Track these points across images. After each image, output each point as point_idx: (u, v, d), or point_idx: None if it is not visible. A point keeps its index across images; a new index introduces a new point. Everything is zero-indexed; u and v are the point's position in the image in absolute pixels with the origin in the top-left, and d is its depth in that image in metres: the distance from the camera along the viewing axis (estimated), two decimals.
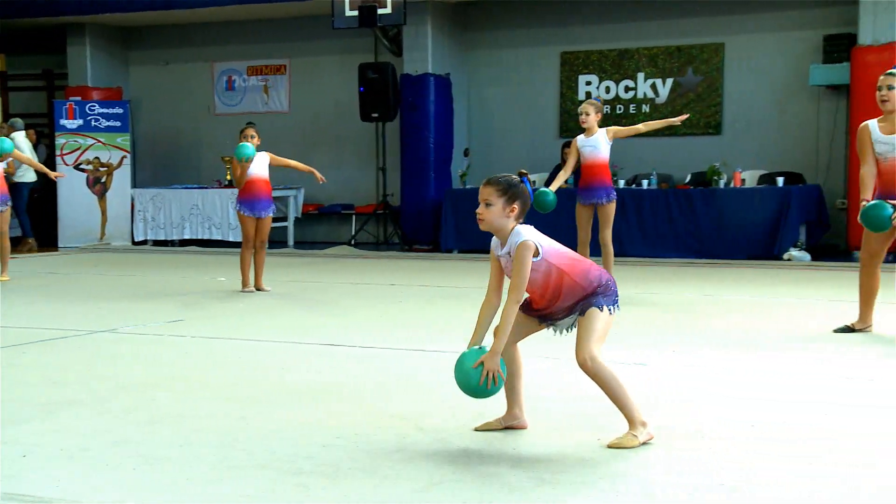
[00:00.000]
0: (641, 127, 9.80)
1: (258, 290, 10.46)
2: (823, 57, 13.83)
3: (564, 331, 4.56)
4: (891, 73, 7.35)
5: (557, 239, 4.54)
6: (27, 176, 16.00)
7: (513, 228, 4.39)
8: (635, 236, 13.73)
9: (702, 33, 15.02)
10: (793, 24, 14.51)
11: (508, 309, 4.34)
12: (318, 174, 10.62)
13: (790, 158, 14.39)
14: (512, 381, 4.63)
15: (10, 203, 11.70)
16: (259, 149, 10.47)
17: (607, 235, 9.62)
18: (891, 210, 7.00)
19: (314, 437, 4.57)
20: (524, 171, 4.47)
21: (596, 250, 9.76)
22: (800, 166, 14.26)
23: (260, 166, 10.43)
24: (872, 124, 7.40)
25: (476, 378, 4.26)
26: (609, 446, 4.31)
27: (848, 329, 7.43)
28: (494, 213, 4.33)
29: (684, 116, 9.90)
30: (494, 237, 4.49)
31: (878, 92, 7.36)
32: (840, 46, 13.69)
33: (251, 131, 10.37)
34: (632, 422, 4.40)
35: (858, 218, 7.13)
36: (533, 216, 4.80)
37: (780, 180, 13.38)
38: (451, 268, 12.80)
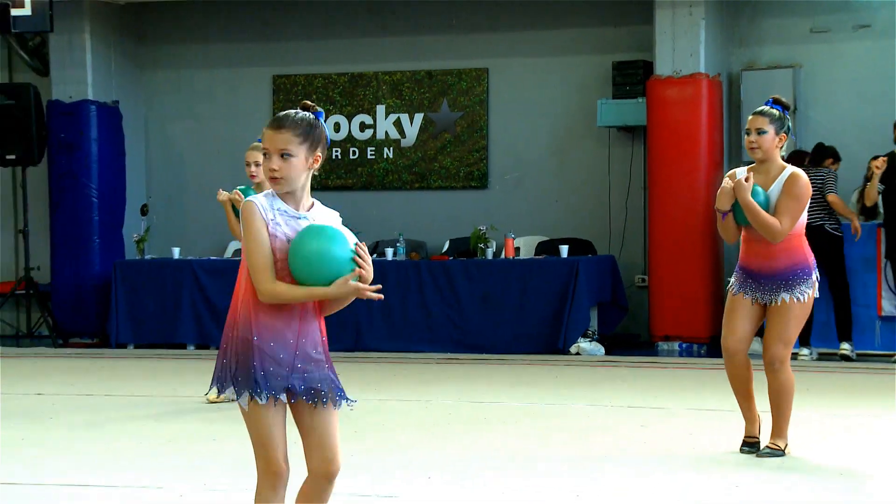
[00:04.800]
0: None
1: None
2: (614, 90, 14.12)
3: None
4: (759, 112, 7.42)
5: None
6: None
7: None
8: (377, 324, 13.57)
9: (460, 54, 15.05)
10: (575, 47, 14.79)
11: None
12: None
13: (576, 221, 14.56)
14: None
15: None
16: None
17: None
18: None
19: None
20: (308, 103, 4.36)
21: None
22: (588, 231, 14.36)
23: None
24: (742, 175, 7.41)
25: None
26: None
27: (749, 445, 7.33)
28: (296, 166, 4.21)
29: None
30: None
31: (745, 136, 7.51)
32: (633, 77, 14.06)
33: None
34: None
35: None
36: None
37: (564, 249, 13.47)
38: (125, 369, 12.31)
